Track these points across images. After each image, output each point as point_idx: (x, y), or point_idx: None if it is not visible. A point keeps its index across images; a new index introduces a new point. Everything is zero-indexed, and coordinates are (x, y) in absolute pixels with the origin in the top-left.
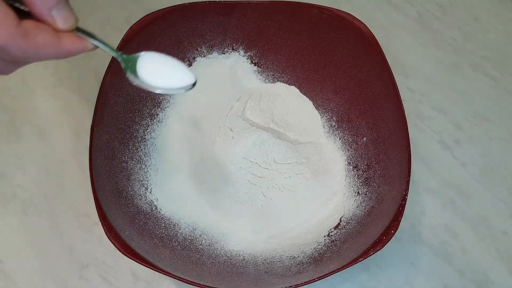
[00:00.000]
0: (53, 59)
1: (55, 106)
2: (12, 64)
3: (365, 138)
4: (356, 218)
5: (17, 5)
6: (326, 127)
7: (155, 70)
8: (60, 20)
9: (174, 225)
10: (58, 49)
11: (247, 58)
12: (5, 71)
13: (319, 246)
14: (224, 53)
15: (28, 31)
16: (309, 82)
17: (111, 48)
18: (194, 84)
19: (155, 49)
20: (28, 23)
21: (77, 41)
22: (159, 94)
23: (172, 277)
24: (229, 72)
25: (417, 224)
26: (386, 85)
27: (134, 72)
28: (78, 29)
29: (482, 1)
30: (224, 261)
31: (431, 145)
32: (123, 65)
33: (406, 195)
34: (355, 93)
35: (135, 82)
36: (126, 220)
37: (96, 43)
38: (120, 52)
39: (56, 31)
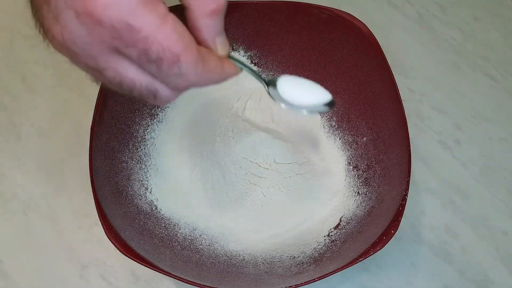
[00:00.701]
0: (213, 84)
1: (55, 106)
2: (179, 91)
3: (365, 138)
4: (356, 218)
5: None
6: (326, 127)
7: (294, 90)
8: (221, 46)
9: (174, 225)
10: (221, 74)
11: (247, 58)
12: (168, 100)
13: (319, 246)
14: None
15: (204, 56)
16: None
17: (257, 73)
18: (331, 104)
19: None
20: (202, 48)
21: (232, 66)
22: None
23: (172, 277)
24: None
25: (417, 224)
26: (386, 85)
27: (276, 92)
28: (229, 56)
29: (482, 1)
30: (224, 261)
31: (431, 145)
32: (266, 88)
33: (406, 195)
34: (355, 93)
35: (277, 100)
36: (126, 220)
37: (243, 67)
38: (263, 76)
39: (217, 55)
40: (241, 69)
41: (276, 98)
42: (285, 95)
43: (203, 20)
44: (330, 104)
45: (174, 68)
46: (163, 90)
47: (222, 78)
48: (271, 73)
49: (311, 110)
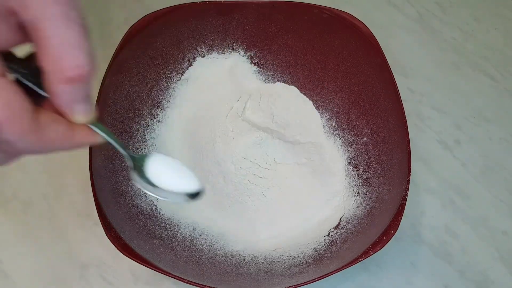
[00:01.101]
0: (58, 151)
1: None
2: (13, 156)
3: (365, 138)
4: (356, 218)
5: (35, 88)
6: (326, 127)
7: (162, 173)
8: (81, 114)
9: (174, 225)
10: (68, 143)
11: (247, 58)
12: (1, 163)
13: (319, 246)
14: (224, 53)
15: (43, 126)
16: (309, 82)
17: (122, 146)
18: (197, 194)
19: (155, 48)
20: (44, 116)
21: (89, 134)
22: (159, 94)
23: (172, 277)
24: (229, 72)
25: (417, 224)
26: (386, 85)
27: (141, 172)
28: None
29: (482, 1)
30: (224, 261)
31: (431, 145)
32: (131, 165)
33: (406, 195)
34: (355, 93)
35: (138, 184)
36: (126, 220)
37: (106, 137)
38: (129, 151)
39: (71, 123)
40: (104, 139)
41: (137, 180)
42: (152, 176)
43: (57, 86)
44: (198, 195)
45: None
46: None
47: (70, 147)
48: (271, 73)
49: (176, 198)
